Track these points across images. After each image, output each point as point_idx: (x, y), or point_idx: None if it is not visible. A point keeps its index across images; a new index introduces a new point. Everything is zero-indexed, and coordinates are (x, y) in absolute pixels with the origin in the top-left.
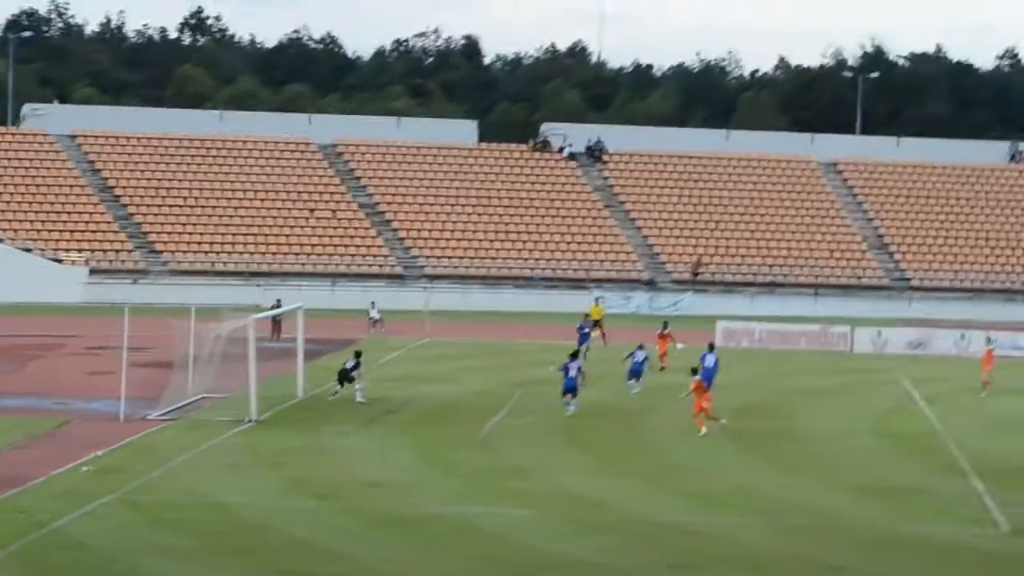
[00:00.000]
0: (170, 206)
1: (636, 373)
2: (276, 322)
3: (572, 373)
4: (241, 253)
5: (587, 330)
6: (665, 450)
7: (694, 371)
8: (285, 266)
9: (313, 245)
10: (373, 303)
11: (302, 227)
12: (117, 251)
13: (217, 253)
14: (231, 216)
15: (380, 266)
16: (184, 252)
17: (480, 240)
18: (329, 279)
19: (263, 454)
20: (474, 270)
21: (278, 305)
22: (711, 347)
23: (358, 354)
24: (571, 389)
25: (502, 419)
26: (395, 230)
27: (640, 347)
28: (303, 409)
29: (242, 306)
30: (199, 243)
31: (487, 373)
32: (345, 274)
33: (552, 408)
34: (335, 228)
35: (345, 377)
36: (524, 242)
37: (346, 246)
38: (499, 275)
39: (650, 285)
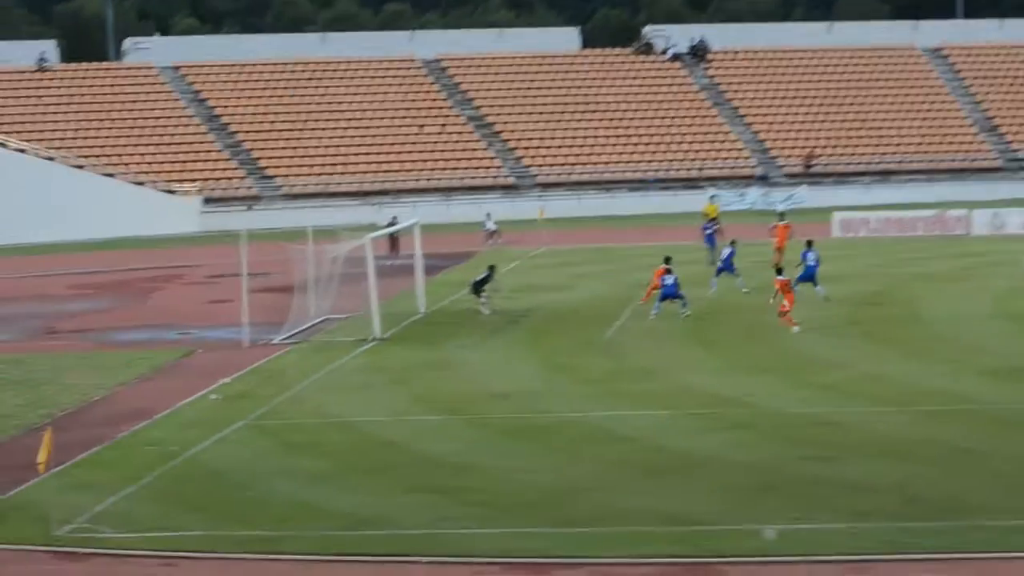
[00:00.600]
0: (279, 131)
1: (724, 269)
2: (393, 239)
3: (669, 280)
4: (353, 173)
5: (710, 231)
6: (790, 344)
7: (779, 270)
8: (398, 183)
9: (424, 161)
10: (489, 214)
11: (412, 143)
12: (229, 179)
13: (329, 175)
14: (340, 137)
15: (493, 178)
16: (296, 176)
17: (591, 146)
18: (443, 193)
19: (388, 372)
20: (586, 176)
21: (394, 222)
22: (809, 244)
23: (491, 268)
24: (669, 296)
25: (625, 323)
26: (504, 141)
27: (732, 242)
28: (425, 324)
29: (358, 225)
30: (310, 166)
31: (607, 278)
32: (458, 187)
33: (675, 309)
34: (445, 142)
35: (476, 289)
36: (635, 145)
37: (457, 159)
38: (611, 179)
39: (763, 180)
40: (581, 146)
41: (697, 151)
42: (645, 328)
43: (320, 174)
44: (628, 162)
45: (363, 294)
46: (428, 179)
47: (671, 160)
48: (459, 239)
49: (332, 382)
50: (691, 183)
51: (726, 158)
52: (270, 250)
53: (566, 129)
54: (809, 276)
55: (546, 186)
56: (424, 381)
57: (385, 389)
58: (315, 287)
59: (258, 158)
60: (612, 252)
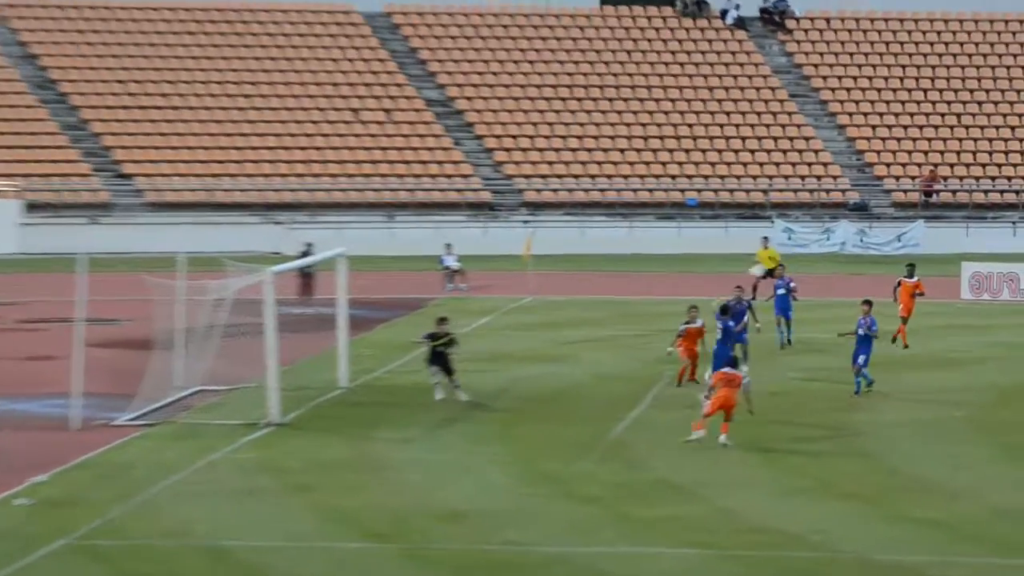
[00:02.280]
0: (144, 108)
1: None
2: (306, 277)
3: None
4: (251, 176)
5: (783, 288)
6: (888, 457)
7: (732, 361)
8: (317, 194)
9: (358, 163)
10: (449, 245)
11: (341, 136)
12: (66, 176)
13: (216, 177)
14: (235, 122)
15: (459, 191)
16: (166, 177)
17: (605, 150)
18: (383, 212)
19: (288, 474)
20: (596, 195)
21: (308, 252)
22: (868, 304)
23: (441, 321)
24: (724, 360)
25: (644, 412)
26: (479, 137)
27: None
28: (347, 405)
29: (254, 255)
30: (188, 163)
31: (620, 346)
32: (407, 204)
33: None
34: (390, 136)
35: (440, 361)
36: (670, 152)
37: (407, 162)
38: (632, 202)
39: (860, 211)
40: (591, 150)
41: (763, 164)
42: (674, 422)
43: (202, 175)
44: (659, 176)
45: (256, 356)
46: (362, 189)
47: (724, 176)
48: (404, 280)
49: (202, 486)
50: (752, 211)
51: (806, 176)
52: (121, 285)
53: (570, 124)
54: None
55: (536, 207)
56: (340, 490)
57: (281, 499)
58: (185, 343)
59: (110, 147)
60: (629, 308)
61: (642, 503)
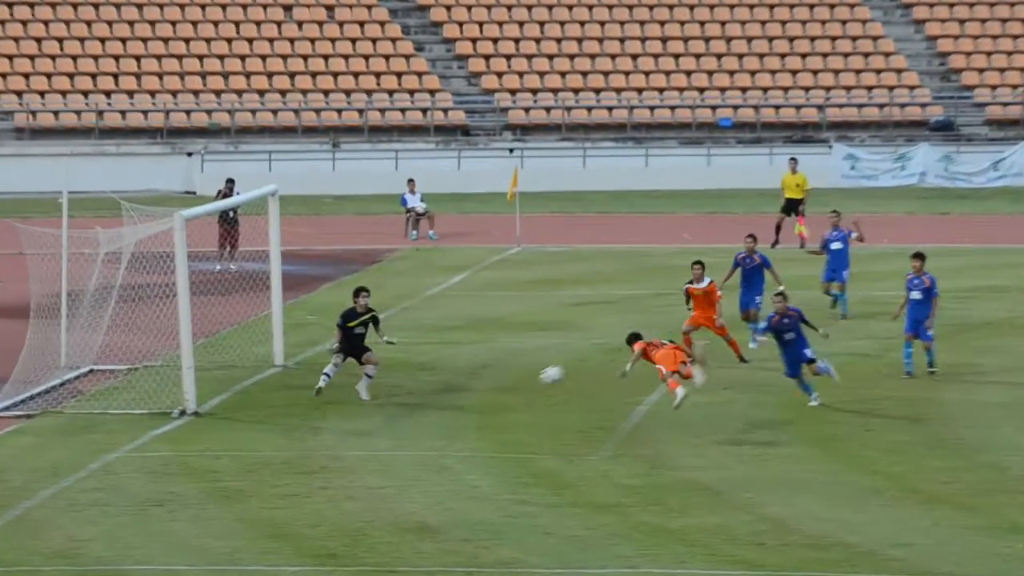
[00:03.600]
0: (8, 4)
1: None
2: (228, 222)
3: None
4: (153, 93)
5: (835, 240)
6: (988, 448)
7: (633, 337)
8: (240, 117)
9: (293, 75)
10: (412, 182)
11: (270, 40)
12: None
13: (106, 94)
14: (131, 24)
15: (426, 112)
16: (44, 94)
17: (613, 56)
18: (326, 139)
19: (207, 477)
20: (602, 114)
21: (230, 192)
22: (920, 259)
23: (359, 293)
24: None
25: (665, 397)
26: (449, 41)
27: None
28: (285, 388)
29: (159, 194)
30: (71, 75)
31: (633, 310)
32: (356, 128)
33: (757, 371)
34: (336, 40)
35: (354, 341)
36: (696, 58)
37: (356, 74)
38: (650, 122)
39: (945, 131)
40: (594, 56)
41: (817, 71)
42: (706, 408)
43: (88, 92)
44: (683, 89)
45: (165, 327)
46: (298, 110)
47: (766, 88)
48: (354, 226)
49: (97, 494)
50: (803, 133)
51: (873, 87)
52: None
53: (566, 22)
54: (917, 323)
55: (524, 130)
56: (277, 497)
57: (200, 510)
58: (72, 310)
59: None
60: (646, 260)
61: (668, 511)
